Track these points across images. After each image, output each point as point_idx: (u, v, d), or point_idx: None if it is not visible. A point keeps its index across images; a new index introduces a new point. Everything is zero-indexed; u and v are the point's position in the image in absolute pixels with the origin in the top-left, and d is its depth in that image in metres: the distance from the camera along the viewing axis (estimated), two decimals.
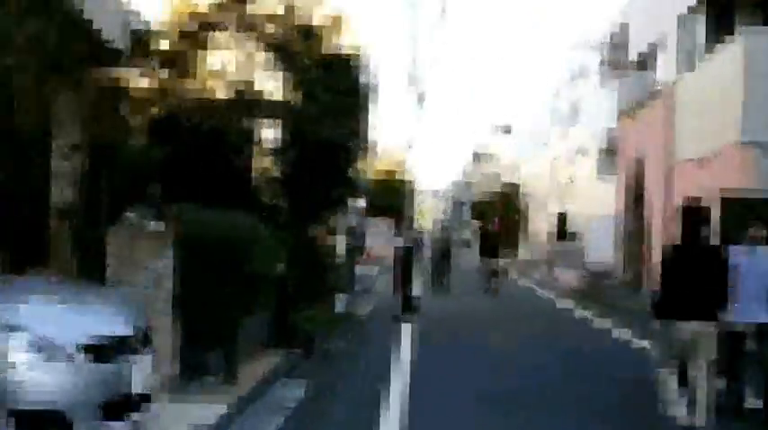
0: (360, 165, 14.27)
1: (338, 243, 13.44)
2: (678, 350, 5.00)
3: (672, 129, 14.35)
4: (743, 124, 10.68)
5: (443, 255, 16.03)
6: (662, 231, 14.56)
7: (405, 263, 11.13)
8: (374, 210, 25.56)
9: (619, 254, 17.44)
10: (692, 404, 4.76)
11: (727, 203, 10.25)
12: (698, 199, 6.23)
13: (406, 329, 9.68)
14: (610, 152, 20.53)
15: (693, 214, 5.24)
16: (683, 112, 13.85)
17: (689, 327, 4.82)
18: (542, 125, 31.08)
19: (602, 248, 18.26)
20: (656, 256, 15.11)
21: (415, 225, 53.88)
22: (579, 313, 12.90)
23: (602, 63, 21.24)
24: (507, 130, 45.62)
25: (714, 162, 12.00)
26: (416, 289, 14.99)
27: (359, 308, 11.93)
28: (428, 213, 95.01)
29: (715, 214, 11.69)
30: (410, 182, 30.95)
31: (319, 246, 10.79)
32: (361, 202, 16.95)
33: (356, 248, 17.80)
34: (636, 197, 16.64)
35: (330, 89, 8.74)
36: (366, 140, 12.63)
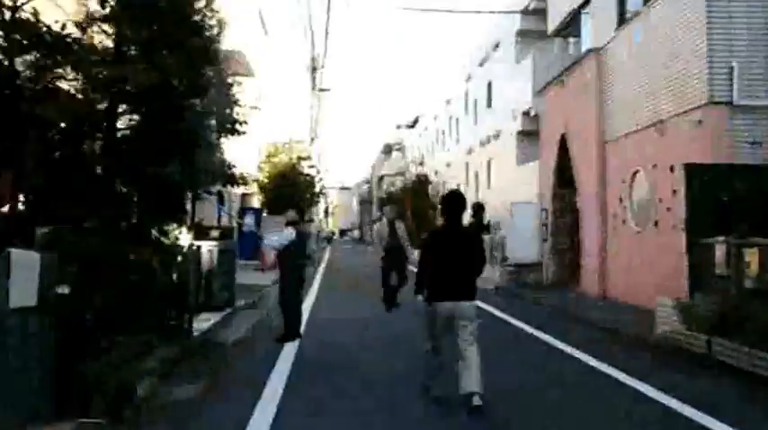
0: (227, 145, 11.34)
1: (207, 246, 10.40)
2: None
3: (603, 99, 12.38)
4: (708, 81, 8.69)
5: (393, 261, 10.82)
6: (597, 217, 12.57)
7: (286, 265, 8.27)
8: (274, 207, 22.53)
9: (546, 245, 15.41)
10: None
11: (693, 173, 8.20)
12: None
13: (287, 358, 6.88)
14: (527, 133, 18.66)
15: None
16: (618, 79, 11.88)
17: None
18: (455, 112, 29.11)
19: (524, 240, 16.19)
20: (592, 248, 13.17)
21: (318, 223, 51.04)
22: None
23: (517, 35, 19.27)
24: (413, 122, 43.68)
25: (662, 131, 10.02)
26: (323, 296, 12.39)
27: (230, 331, 8.95)
28: (337, 210, 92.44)
29: (669, 185, 9.80)
30: (314, 177, 28.12)
31: (168, 251, 7.76)
32: (233, 195, 13.71)
33: (237, 252, 14.75)
34: (563, 180, 14.64)
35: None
36: (228, 112, 9.71)
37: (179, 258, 7.91)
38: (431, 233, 5.53)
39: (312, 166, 26.84)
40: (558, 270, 14.78)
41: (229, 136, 11.83)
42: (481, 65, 23.82)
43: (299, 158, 24.24)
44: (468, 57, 26.45)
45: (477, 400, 4.75)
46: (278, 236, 8.30)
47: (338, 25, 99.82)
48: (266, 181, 22.85)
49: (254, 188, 23.52)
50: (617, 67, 11.84)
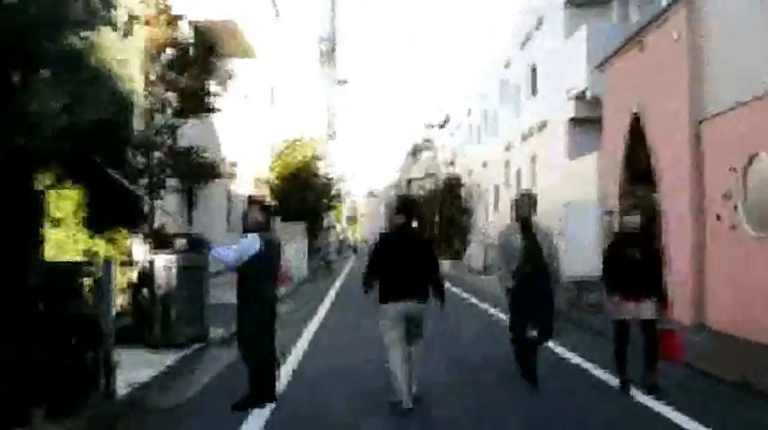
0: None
1: (163, 261, 7.70)
2: None
3: (698, 61, 9.29)
4: None
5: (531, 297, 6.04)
6: (689, 219, 9.47)
7: (247, 292, 5.46)
8: (285, 213, 19.85)
9: None
10: None
11: None
12: None
13: None
14: (581, 120, 15.59)
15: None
16: (721, 33, 8.80)
17: None
18: (492, 104, 26.05)
19: (581, 251, 13.09)
20: (682, 260, 10.09)
21: (340, 230, 48.20)
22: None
23: (565, 5, 16.22)
24: (444, 122, 40.65)
25: None
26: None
27: (181, 385, 6.15)
28: (364, 218, 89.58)
29: None
30: (331, 178, 25.34)
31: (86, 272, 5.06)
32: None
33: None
34: (635, 174, 11.56)
35: None
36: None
37: (85, 281, 5.20)
38: (381, 236, 5.82)
39: (330, 166, 24.04)
40: None
41: (204, 115, 9.20)
42: (522, 47, 20.77)
43: (314, 157, 21.43)
44: (506, 40, 23.43)
45: (408, 403, 4.95)
46: (237, 245, 5.41)
47: (360, 13, 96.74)
48: (276, 182, 20.12)
49: (264, 190, 20.91)
50: (720, 15, 8.76)
